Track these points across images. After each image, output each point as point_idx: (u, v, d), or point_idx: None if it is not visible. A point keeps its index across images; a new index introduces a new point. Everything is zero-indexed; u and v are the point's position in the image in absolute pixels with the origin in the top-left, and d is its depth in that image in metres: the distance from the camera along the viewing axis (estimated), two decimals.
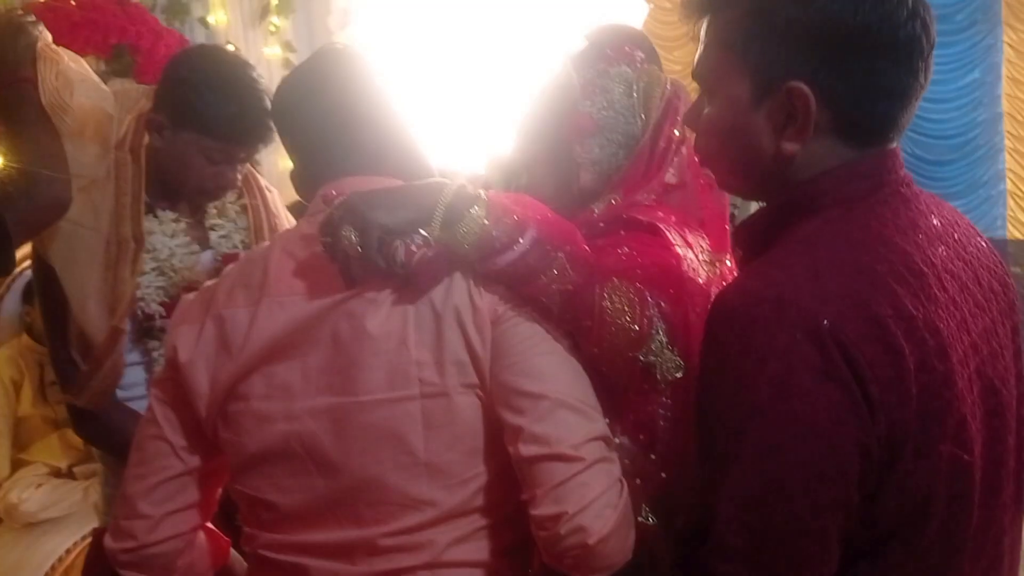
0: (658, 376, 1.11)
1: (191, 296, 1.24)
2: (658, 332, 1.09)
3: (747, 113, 0.96)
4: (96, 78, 1.73)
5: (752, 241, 1.03)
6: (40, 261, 1.64)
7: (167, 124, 1.63)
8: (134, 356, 1.66)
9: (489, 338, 1.07)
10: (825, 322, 0.84)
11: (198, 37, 3.80)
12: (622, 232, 1.21)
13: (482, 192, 1.09)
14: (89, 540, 2.37)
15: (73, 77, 1.61)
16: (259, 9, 4.12)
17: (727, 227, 1.28)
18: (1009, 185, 6.49)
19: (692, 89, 1.13)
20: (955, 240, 1.00)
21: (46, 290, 1.65)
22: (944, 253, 0.96)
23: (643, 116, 1.28)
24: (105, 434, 1.67)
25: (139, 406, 1.59)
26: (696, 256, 1.21)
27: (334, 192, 1.12)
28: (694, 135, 1.05)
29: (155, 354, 1.66)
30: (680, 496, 1.11)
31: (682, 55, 5.02)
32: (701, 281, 1.18)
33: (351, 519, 1.11)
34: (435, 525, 1.09)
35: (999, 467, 0.97)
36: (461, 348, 1.07)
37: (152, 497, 1.19)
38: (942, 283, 0.93)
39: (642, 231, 1.20)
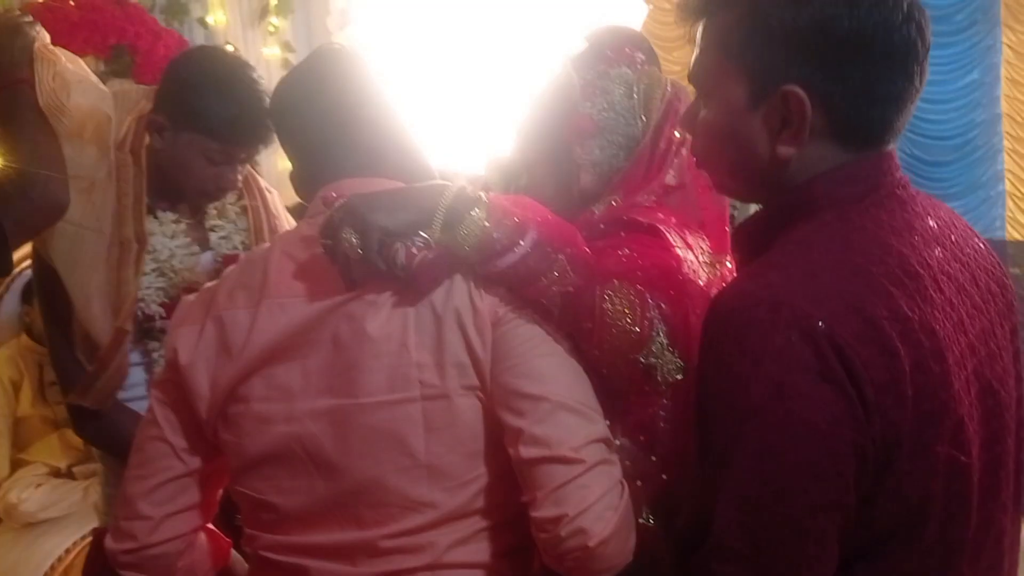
0: (659, 378, 1.11)
1: (191, 297, 1.24)
2: (659, 334, 1.09)
3: (743, 117, 0.96)
4: (94, 78, 1.72)
5: (749, 243, 1.03)
6: (41, 263, 1.63)
7: (168, 125, 1.63)
8: (134, 357, 1.66)
9: (490, 340, 1.07)
10: (820, 323, 0.84)
11: (197, 38, 3.80)
12: (622, 234, 1.21)
13: (483, 194, 1.09)
14: (89, 540, 2.37)
15: (70, 78, 1.61)
16: (258, 9, 4.12)
17: (727, 229, 1.28)
18: (1008, 186, 6.49)
19: (691, 91, 1.13)
20: (952, 242, 1.00)
21: (48, 292, 1.65)
22: (941, 255, 0.96)
23: (644, 118, 1.28)
24: (106, 435, 1.67)
25: (139, 407, 1.60)
26: (696, 258, 1.21)
27: (334, 194, 1.12)
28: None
29: (155, 355, 1.66)
30: (680, 498, 1.11)
31: (681, 56, 5.01)
32: (701, 283, 1.18)
33: (352, 521, 1.11)
34: (436, 527, 1.09)
35: (998, 468, 0.97)
36: (462, 350, 1.07)
37: (153, 498, 1.19)
38: (938, 285, 0.93)
39: (642, 233, 1.20)
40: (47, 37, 1.62)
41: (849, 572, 0.91)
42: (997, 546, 1.00)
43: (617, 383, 1.13)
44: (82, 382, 1.62)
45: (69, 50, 1.72)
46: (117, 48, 3.31)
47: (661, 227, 1.20)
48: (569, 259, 1.08)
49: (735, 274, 1.22)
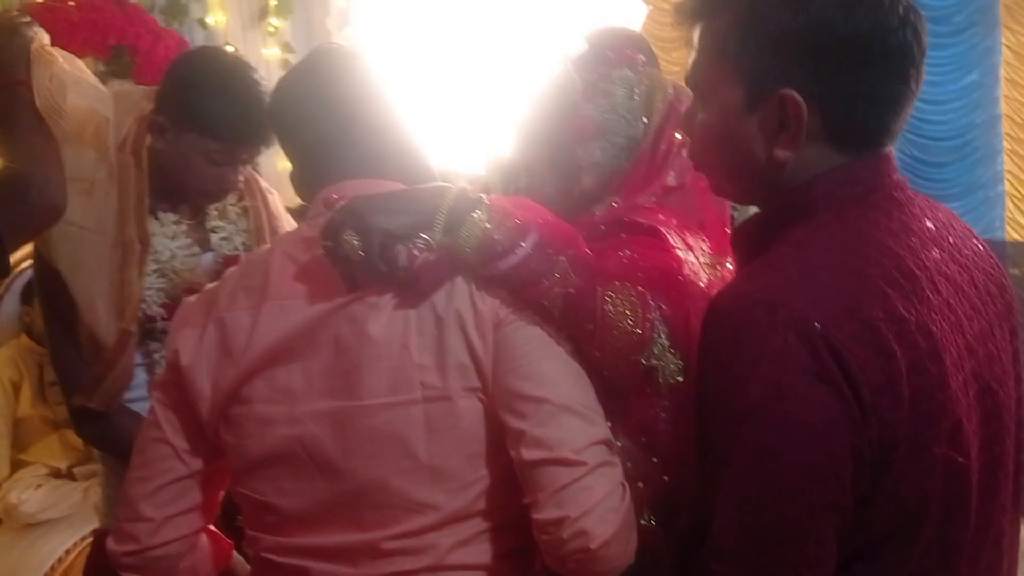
0: (660, 379, 1.11)
1: (192, 299, 1.24)
2: (660, 335, 1.09)
3: (740, 120, 0.97)
4: (93, 79, 1.72)
5: (748, 245, 1.04)
6: (43, 264, 1.63)
7: (169, 126, 1.63)
8: (136, 358, 1.65)
9: (491, 342, 1.07)
10: (816, 325, 0.85)
11: (197, 38, 3.80)
12: (623, 235, 1.21)
13: (484, 196, 1.09)
14: (89, 541, 2.37)
15: (67, 79, 1.60)
16: (258, 10, 4.12)
17: (727, 230, 1.28)
18: (1007, 187, 6.48)
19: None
20: (950, 243, 1.00)
21: (50, 293, 1.65)
22: (938, 256, 0.97)
23: (645, 119, 1.28)
24: (107, 436, 1.67)
25: (141, 408, 1.60)
26: (697, 259, 1.21)
27: (335, 195, 1.12)
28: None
29: (156, 356, 1.65)
30: (682, 499, 1.12)
31: (681, 56, 4.96)
32: (702, 284, 1.18)
33: (354, 522, 1.11)
34: (438, 528, 1.09)
35: (997, 469, 0.98)
36: (463, 352, 1.07)
37: (154, 500, 1.19)
38: (935, 286, 0.93)
39: (643, 234, 1.20)
40: (46, 38, 1.61)
41: (848, 573, 0.91)
42: (996, 547, 1.00)
43: (618, 384, 1.13)
44: (87, 383, 1.62)
45: (68, 51, 1.71)
46: (117, 48, 3.31)
47: (662, 228, 1.20)
48: (570, 260, 1.08)
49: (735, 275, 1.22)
